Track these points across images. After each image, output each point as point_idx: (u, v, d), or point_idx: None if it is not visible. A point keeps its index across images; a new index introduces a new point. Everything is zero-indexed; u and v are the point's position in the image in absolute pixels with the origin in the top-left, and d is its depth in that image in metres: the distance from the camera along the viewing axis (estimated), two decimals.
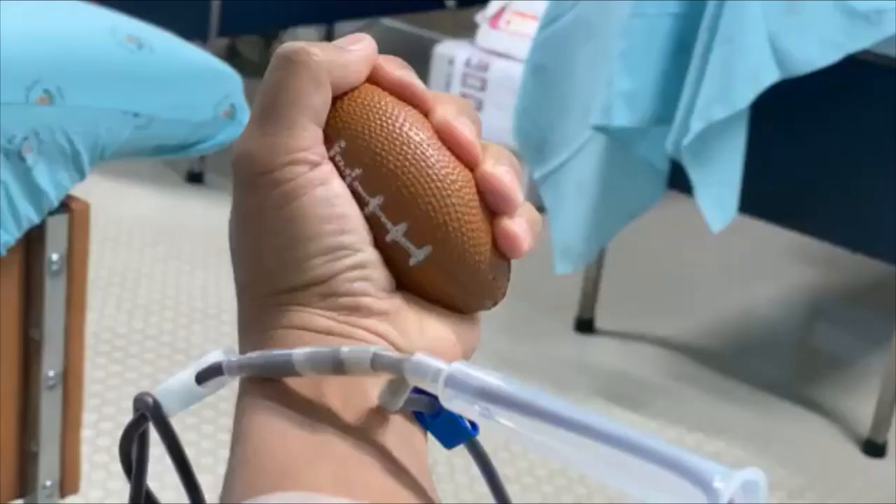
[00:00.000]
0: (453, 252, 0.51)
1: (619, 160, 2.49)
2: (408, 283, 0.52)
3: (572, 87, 2.52)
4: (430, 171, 0.51)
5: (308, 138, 0.50)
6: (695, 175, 2.30)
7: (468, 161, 0.52)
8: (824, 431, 2.58)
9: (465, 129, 0.52)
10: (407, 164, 0.51)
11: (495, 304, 0.54)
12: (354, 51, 0.52)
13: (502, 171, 0.52)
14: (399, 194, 0.51)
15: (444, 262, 0.51)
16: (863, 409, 2.61)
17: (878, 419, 2.52)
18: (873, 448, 2.51)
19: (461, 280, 0.52)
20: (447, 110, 0.52)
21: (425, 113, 0.53)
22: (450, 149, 0.52)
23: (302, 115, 0.50)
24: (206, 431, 2.23)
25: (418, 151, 0.51)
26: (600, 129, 2.37)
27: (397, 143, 0.51)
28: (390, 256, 0.51)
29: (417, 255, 0.51)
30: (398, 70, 0.53)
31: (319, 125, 0.51)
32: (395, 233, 0.51)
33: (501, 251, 0.52)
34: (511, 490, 2.19)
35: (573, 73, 2.52)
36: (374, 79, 0.53)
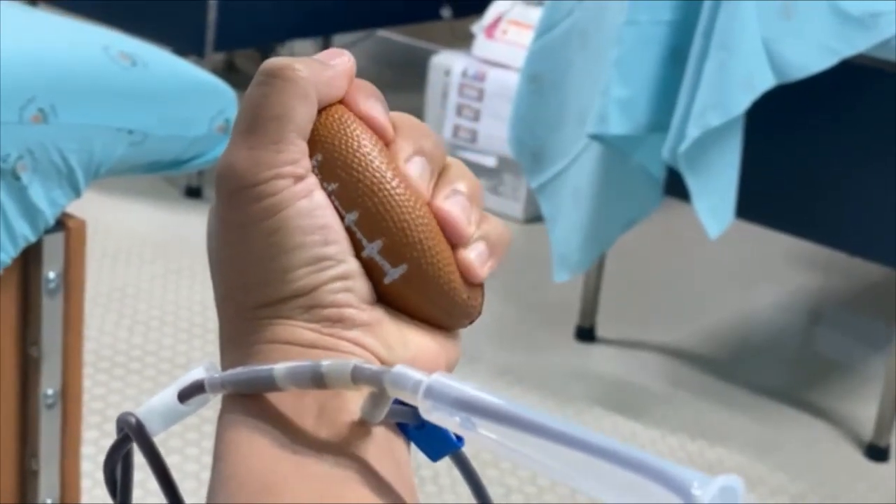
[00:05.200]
0: (427, 272, 0.51)
1: (615, 168, 2.49)
2: (383, 299, 0.52)
3: (568, 95, 2.53)
4: (402, 190, 0.51)
5: (295, 152, 0.50)
6: (691, 182, 2.30)
7: None
8: (826, 436, 2.57)
9: (413, 176, 0.52)
10: (383, 181, 0.51)
11: (471, 322, 0.54)
12: (336, 66, 0.52)
13: (450, 205, 0.52)
14: (375, 211, 0.51)
15: (418, 282, 0.51)
16: (865, 413, 2.61)
17: (881, 423, 2.51)
18: (876, 452, 2.51)
19: (435, 299, 0.52)
20: (400, 151, 0.52)
21: (388, 145, 0.53)
22: None
23: (289, 130, 0.50)
24: (207, 447, 2.23)
25: (391, 171, 0.51)
26: (596, 137, 2.37)
27: (373, 161, 0.51)
28: (367, 271, 0.51)
29: (392, 273, 0.51)
30: (363, 103, 0.53)
31: (304, 139, 0.51)
32: (371, 249, 0.51)
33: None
34: (513, 501, 2.16)
35: (569, 81, 2.52)
36: (344, 102, 0.53)
